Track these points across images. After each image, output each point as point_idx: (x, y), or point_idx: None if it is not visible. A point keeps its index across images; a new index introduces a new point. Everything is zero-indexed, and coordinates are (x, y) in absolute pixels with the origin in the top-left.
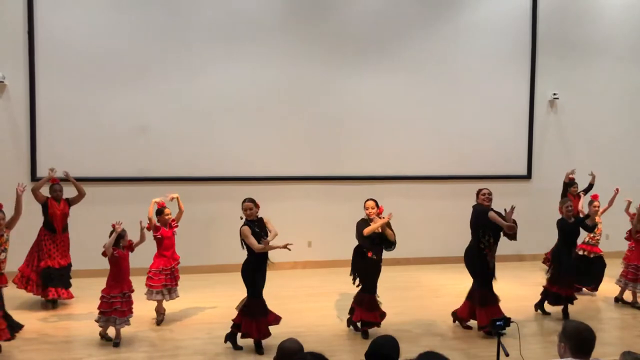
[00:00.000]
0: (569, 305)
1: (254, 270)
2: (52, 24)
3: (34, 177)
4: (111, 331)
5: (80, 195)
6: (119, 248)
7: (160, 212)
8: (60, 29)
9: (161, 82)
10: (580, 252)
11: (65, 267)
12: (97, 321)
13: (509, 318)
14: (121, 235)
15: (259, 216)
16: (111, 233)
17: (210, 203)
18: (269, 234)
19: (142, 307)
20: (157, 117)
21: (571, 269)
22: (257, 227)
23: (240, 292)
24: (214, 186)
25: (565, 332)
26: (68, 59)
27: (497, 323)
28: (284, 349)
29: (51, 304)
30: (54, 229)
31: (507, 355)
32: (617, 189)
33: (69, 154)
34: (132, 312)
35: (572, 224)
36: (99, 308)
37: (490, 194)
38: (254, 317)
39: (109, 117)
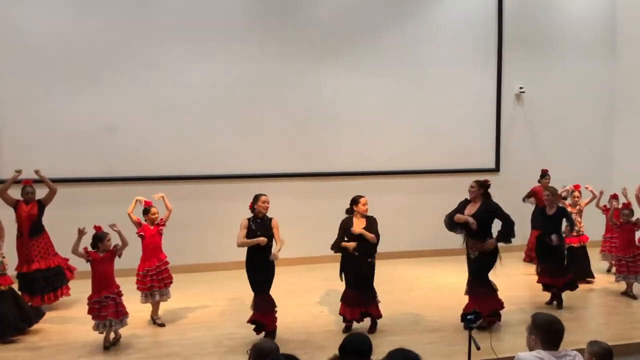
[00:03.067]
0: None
1: (249, 266)
2: (12, 19)
3: None
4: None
5: (52, 192)
6: (96, 251)
7: (147, 211)
8: (22, 25)
9: (129, 80)
10: (576, 245)
11: (33, 273)
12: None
13: (480, 312)
14: (99, 237)
15: (269, 216)
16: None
17: (183, 202)
18: (275, 240)
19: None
20: (126, 116)
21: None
22: (259, 224)
23: (215, 292)
24: (186, 185)
25: (536, 324)
26: (31, 56)
27: (468, 317)
28: (260, 350)
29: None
30: (20, 232)
31: (478, 348)
32: (602, 192)
33: (34, 154)
34: (117, 316)
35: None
36: (88, 313)
37: (472, 186)
38: (259, 312)
39: (75, 116)
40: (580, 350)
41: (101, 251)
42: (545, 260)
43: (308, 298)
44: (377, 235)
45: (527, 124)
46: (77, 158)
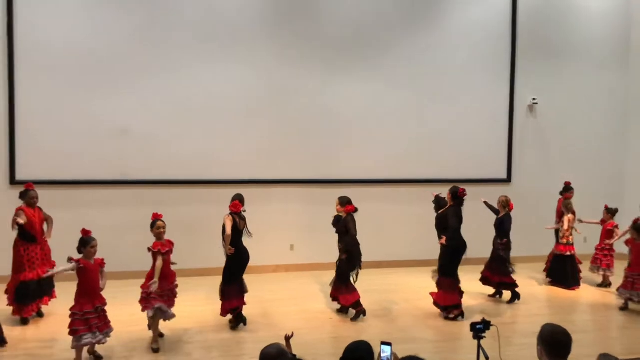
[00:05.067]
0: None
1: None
2: (32, 25)
3: (12, 180)
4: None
5: (51, 221)
6: (86, 258)
7: (153, 224)
8: (40, 30)
9: (143, 84)
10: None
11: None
12: (73, 346)
13: (489, 321)
14: (85, 241)
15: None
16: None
17: (193, 206)
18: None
19: (118, 311)
20: (139, 119)
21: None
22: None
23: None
24: (197, 189)
25: (542, 335)
26: (48, 60)
27: (477, 327)
28: (266, 355)
29: (28, 320)
30: (33, 237)
31: (487, 358)
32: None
33: (49, 157)
34: (111, 327)
35: None
36: (70, 327)
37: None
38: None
39: (90, 119)
40: None
41: (86, 257)
42: (490, 258)
43: (315, 304)
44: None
45: (540, 136)
46: (91, 160)
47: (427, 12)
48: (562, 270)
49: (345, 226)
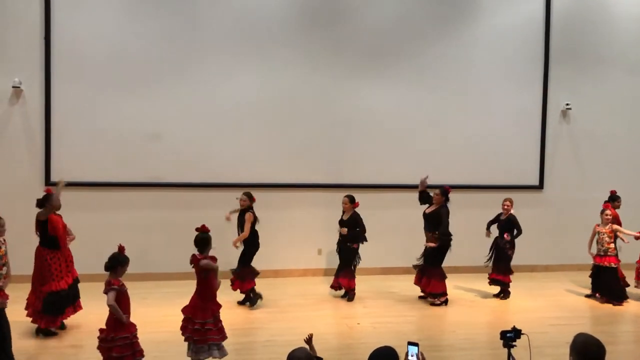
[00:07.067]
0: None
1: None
2: (68, 30)
3: (47, 181)
4: None
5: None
6: (118, 279)
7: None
8: (76, 35)
9: (174, 89)
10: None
11: (73, 284)
12: None
13: (520, 330)
14: (121, 261)
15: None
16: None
17: (221, 209)
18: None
19: (150, 312)
20: (170, 123)
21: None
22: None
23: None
24: (225, 192)
25: (574, 345)
26: (84, 64)
27: (508, 335)
28: (293, 358)
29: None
30: (57, 244)
31: None
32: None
33: (83, 159)
34: (143, 354)
35: None
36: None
37: (437, 193)
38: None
39: (123, 123)
40: None
41: (118, 277)
42: (496, 259)
43: (341, 309)
44: (354, 228)
45: (573, 142)
46: (123, 163)
47: (457, 17)
48: (608, 284)
49: (355, 220)
